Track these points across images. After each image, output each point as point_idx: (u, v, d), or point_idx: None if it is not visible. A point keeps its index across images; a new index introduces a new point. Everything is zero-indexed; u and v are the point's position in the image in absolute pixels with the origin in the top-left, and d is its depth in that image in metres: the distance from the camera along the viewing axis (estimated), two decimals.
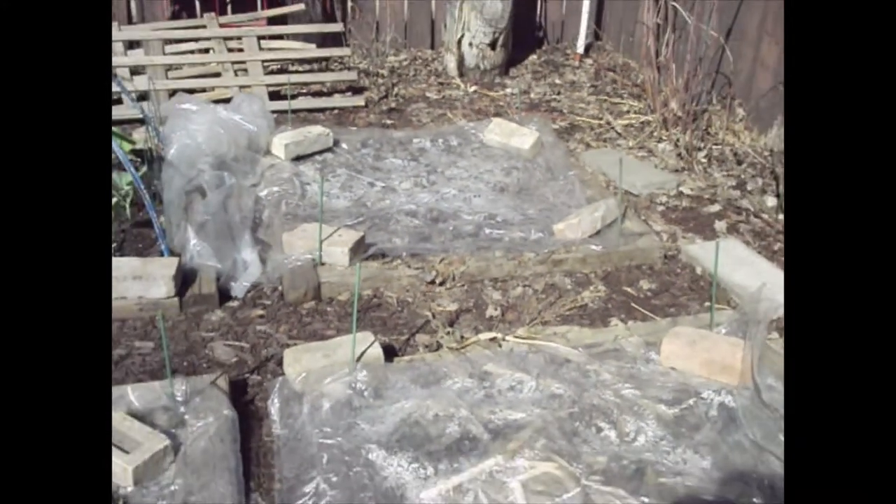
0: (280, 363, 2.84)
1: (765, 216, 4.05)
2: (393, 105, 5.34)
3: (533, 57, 6.29)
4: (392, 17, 6.21)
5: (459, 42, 5.75)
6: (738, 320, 2.96)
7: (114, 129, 3.76)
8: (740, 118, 4.95)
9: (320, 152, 4.44)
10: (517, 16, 5.87)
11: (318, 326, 3.17)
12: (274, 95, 5.08)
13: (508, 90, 5.68)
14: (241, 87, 5.03)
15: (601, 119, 5.21)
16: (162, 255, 3.33)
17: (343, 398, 2.63)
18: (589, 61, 6.22)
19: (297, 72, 5.48)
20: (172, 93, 4.82)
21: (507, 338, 3.05)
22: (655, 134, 4.96)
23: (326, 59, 5.67)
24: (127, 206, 3.69)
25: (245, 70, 5.16)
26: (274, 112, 4.64)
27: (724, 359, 2.76)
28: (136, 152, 4.00)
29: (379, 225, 3.80)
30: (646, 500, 2.31)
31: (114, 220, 3.57)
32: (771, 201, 4.18)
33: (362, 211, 3.93)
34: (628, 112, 5.30)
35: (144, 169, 3.90)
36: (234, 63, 5.16)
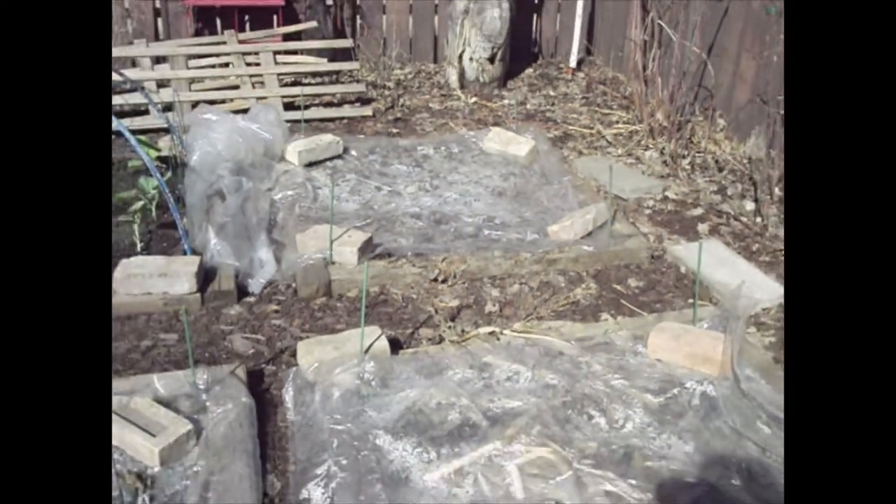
0: (294, 355, 2.84)
1: (744, 219, 4.05)
2: (399, 115, 5.34)
3: (529, 70, 6.29)
4: (398, 33, 6.21)
5: (460, 57, 5.75)
6: (719, 316, 2.97)
7: (141, 137, 3.76)
8: (721, 128, 4.95)
9: (331, 159, 4.44)
10: (514, 32, 5.87)
11: (328, 321, 3.17)
12: (288, 106, 5.08)
13: (506, 101, 5.69)
14: (258, 98, 5.03)
15: (592, 129, 5.21)
16: (185, 254, 3.33)
17: (352, 387, 2.64)
18: (581, 75, 6.22)
19: (309, 84, 5.49)
20: (195, 104, 4.83)
21: (505, 332, 3.05)
22: (643, 142, 4.96)
23: (337, 72, 5.67)
24: (153, 208, 3.69)
25: (262, 83, 5.17)
26: (288, 121, 4.64)
27: (706, 351, 2.77)
28: (161, 159, 4.00)
29: (385, 226, 3.81)
30: (633, 482, 2.31)
31: (141, 221, 3.57)
32: (749, 205, 4.18)
33: (370, 213, 3.93)
34: (617, 122, 5.31)
35: (169, 174, 3.90)
36: (251, 76, 5.17)
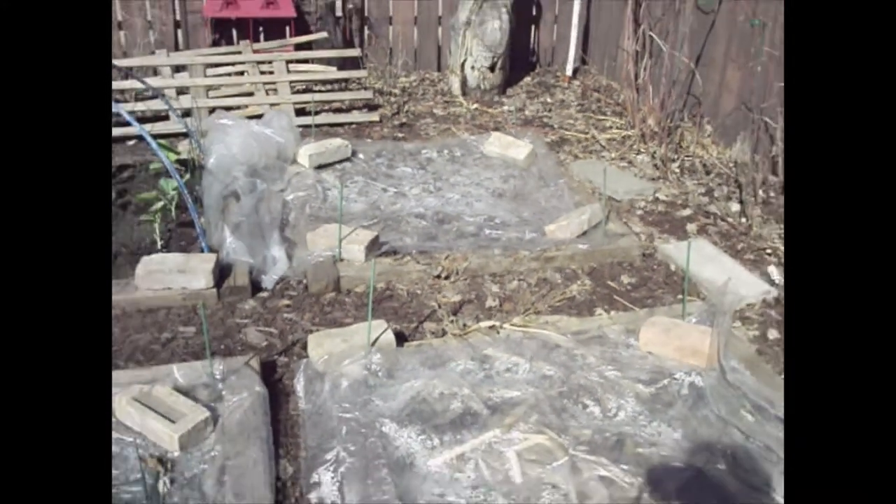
0: (304, 347, 2.84)
1: (730, 220, 4.05)
2: (404, 120, 5.34)
3: (527, 79, 6.28)
4: (403, 43, 6.20)
5: (463, 65, 5.75)
6: (707, 311, 2.97)
7: (162, 141, 3.76)
8: (708, 134, 4.95)
9: (340, 162, 4.43)
10: (513, 43, 5.86)
11: (337, 315, 3.17)
12: (300, 112, 5.08)
13: (506, 107, 5.68)
14: (272, 104, 5.03)
15: (587, 133, 5.20)
16: (202, 251, 3.34)
17: (360, 378, 2.64)
18: (576, 83, 6.21)
19: (320, 91, 5.48)
20: (212, 110, 4.83)
21: (505, 326, 3.05)
22: (635, 147, 4.96)
23: (346, 80, 5.67)
24: (173, 208, 3.69)
25: (275, 90, 5.16)
26: (300, 126, 4.64)
27: (695, 344, 2.77)
28: (180, 162, 4.01)
29: (391, 226, 3.81)
30: (625, 467, 2.31)
31: (161, 220, 3.57)
32: (735, 207, 4.17)
33: (376, 213, 3.93)
34: (611, 127, 5.30)
35: (188, 176, 3.90)
36: (265, 84, 5.16)
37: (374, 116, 5.27)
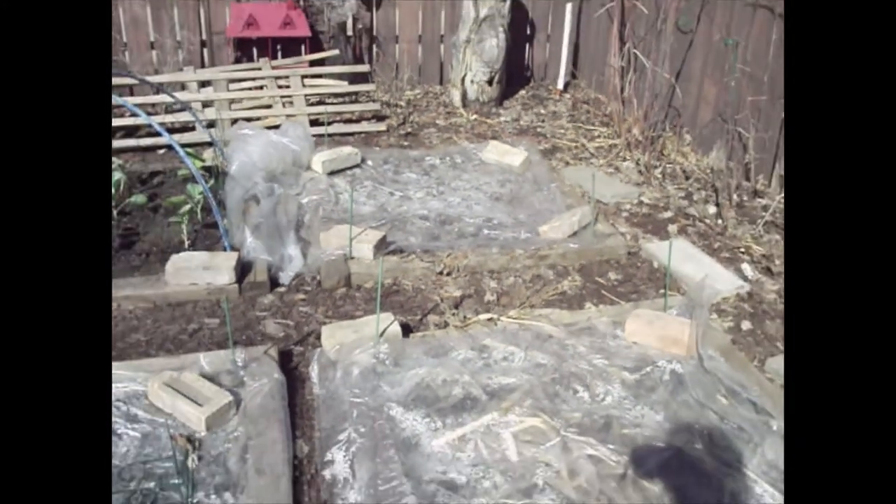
0: (318, 337, 2.85)
1: (707, 221, 4.05)
2: (409, 130, 5.34)
3: (522, 92, 6.28)
4: (409, 59, 6.20)
5: (463, 80, 5.75)
6: (686, 304, 2.97)
7: (188, 149, 3.77)
8: (687, 143, 4.95)
9: (350, 168, 4.44)
10: (509, 59, 5.86)
11: (348, 308, 3.18)
12: (314, 122, 5.08)
13: (502, 118, 5.68)
14: (288, 116, 5.03)
15: (577, 142, 5.20)
16: (225, 250, 3.34)
17: (369, 366, 2.64)
18: (567, 96, 6.21)
19: (332, 103, 5.48)
20: (234, 121, 4.83)
21: (502, 318, 3.05)
22: (621, 154, 4.95)
23: (356, 93, 5.67)
24: (199, 211, 3.70)
25: (291, 102, 5.17)
26: (314, 136, 4.63)
27: (675, 335, 2.77)
28: (205, 168, 4.01)
29: (397, 226, 3.81)
30: (612, 447, 2.32)
31: (188, 222, 3.57)
32: (712, 209, 4.17)
33: (384, 215, 3.93)
34: (599, 137, 5.30)
35: (212, 181, 3.91)
36: (282, 97, 5.17)
37: (382, 126, 5.28)
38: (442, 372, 2.61)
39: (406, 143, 5.11)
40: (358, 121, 5.39)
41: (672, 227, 3.99)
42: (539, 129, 5.47)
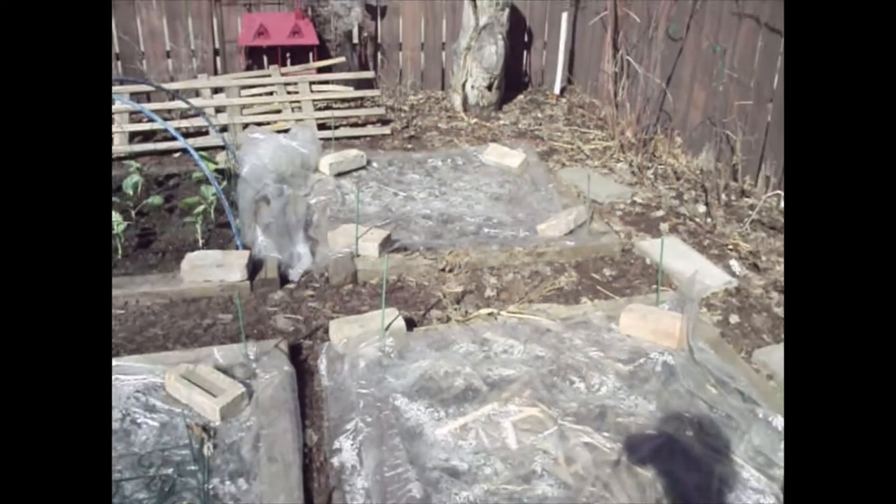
0: (326, 331, 2.85)
1: (697, 220, 4.05)
2: (412, 133, 5.33)
3: (520, 97, 6.27)
4: (412, 66, 6.19)
5: (464, 85, 5.74)
6: (678, 299, 2.97)
7: (202, 153, 3.76)
8: (678, 145, 4.94)
9: (356, 170, 4.44)
10: (508, 65, 5.85)
11: (355, 304, 3.18)
12: (321, 127, 5.08)
13: (501, 122, 5.67)
14: (297, 120, 5.03)
15: (573, 144, 5.20)
16: (237, 248, 3.34)
17: (375, 358, 2.64)
18: (563, 100, 6.20)
19: (339, 108, 5.48)
20: (246, 125, 4.84)
21: (502, 313, 3.05)
22: (615, 156, 4.95)
23: (361, 98, 5.66)
24: (212, 211, 3.70)
25: (300, 107, 5.17)
26: (322, 139, 4.63)
27: (667, 328, 2.77)
28: (218, 171, 4.01)
29: (402, 225, 3.81)
30: (607, 434, 2.32)
31: (202, 222, 3.57)
32: (701, 208, 4.17)
33: (388, 214, 3.93)
34: (594, 139, 5.29)
35: (225, 183, 3.91)
36: (291, 102, 5.17)
37: (386, 130, 5.27)
38: (444, 364, 2.61)
39: (409, 146, 5.10)
40: (363, 125, 5.38)
41: (664, 226, 3.99)
42: (536, 132, 5.46)
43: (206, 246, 3.52)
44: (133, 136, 4.80)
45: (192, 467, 2.15)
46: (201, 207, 3.58)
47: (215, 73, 5.65)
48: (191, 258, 3.18)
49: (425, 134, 5.35)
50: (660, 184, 4.53)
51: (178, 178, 4.33)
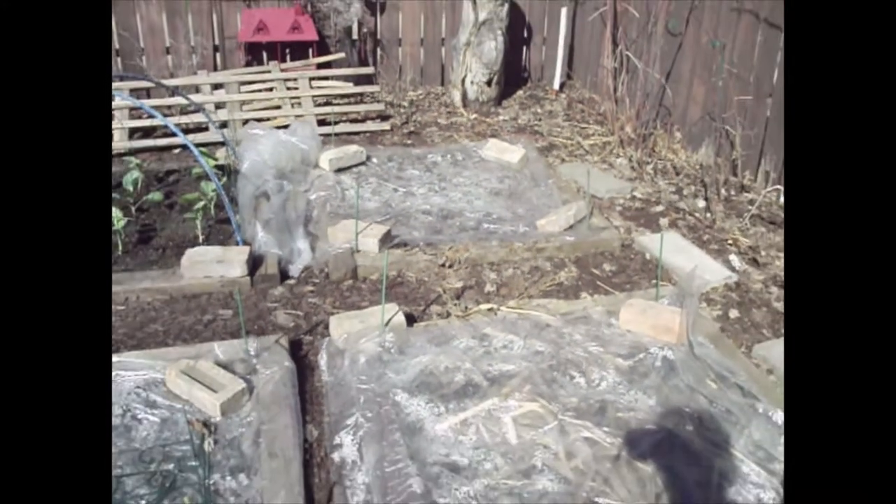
0: (326, 327, 2.84)
1: (697, 215, 4.04)
2: (412, 129, 5.33)
3: (520, 92, 6.26)
4: (411, 62, 6.18)
5: (463, 81, 5.73)
6: (677, 294, 2.96)
7: (202, 149, 3.76)
8: (678, 140, 4.93)
9: (356, 165, 4.43)
10: (508, 61, 5.84)
11: (355, 299, 3.18)
12: (321, 122, 5.07)
13: (501, 117, 5.66)
14: (297, 116, 5.02)
15: (572, 140, 5.19)
16: (237, 244, 3.34)
17: (375, 354, 2.64)
18: (563, 96, 6.19)
19: (338, 104, 5.47)
20: (246, 121, 4.82)
21: (501, 308, 3.05)
22: (614, 151, 4.94)
23: (361, 94, 5.65)
24: (212, 207, 3.69)
25: (300, 103, 5.16)
26: (321, 135, 4.62)
27: (667, 323, 2.77)
28: (218, 167, 4.01)
29: (401, 221, 3.80)
30: (607, 429, 2.32)
31: (202, 218, 3.57)
32: (701, 203, 4.16)
33: (388, 210, 3.93)
34: (593, 135, 5.28)
35: (225, 179, 3.91)
36: (291, 98, 5.15)
37: (386, 126, 5.26)
38: (445, 359, 2.61)
39: (409, 142, 5.10)
40: (363, 120, 5.37)
41: (663, 221, 3.98)
42: (536, 128, 5.45)
43: (207, 242, 3.51)
44: (133, 133, 4.79)
45: (193, 463, 2.15)
46: (201, 203, 3.57)
47: (215, 69, 5.64)
48: (191, 254, 3.18)
49: (425, 129, 5.34)
50: (659, 179, 4.52)
51: (178, 174, 4.32)
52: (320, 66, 5.56)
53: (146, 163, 4.40)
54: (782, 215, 3.90)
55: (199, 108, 4.49)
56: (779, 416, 2.38)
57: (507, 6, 5.58)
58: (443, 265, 3.39)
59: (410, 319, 2.93)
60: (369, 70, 5.67)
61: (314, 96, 5.23)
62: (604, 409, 2.41)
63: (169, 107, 5.05)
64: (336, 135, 4.87)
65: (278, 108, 5.14)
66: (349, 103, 5.53)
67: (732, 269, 3.47)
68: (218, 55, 5.67)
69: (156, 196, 3.80)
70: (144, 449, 2.21)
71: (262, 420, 2.31)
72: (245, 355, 2.60)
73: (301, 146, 4.19)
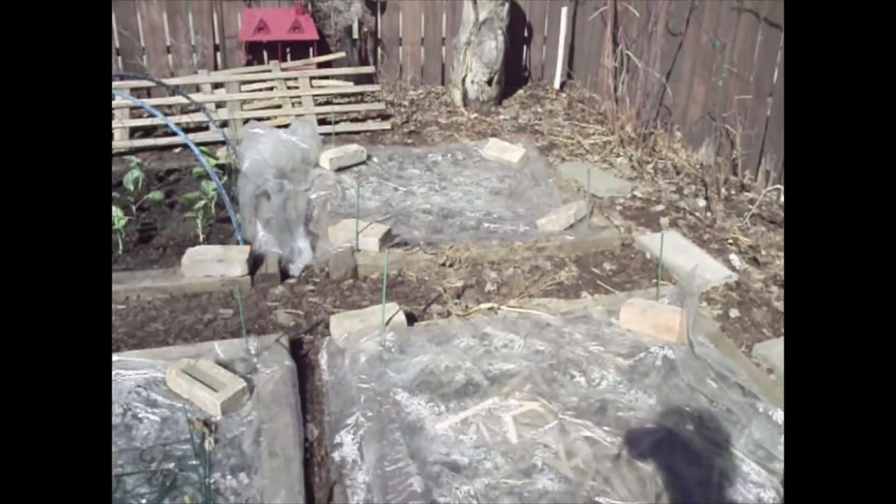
0: (327, 326, 2.84)
1: (697, 214, 4.04)
2: (412, 128, 5.33)
3: (520, 91, 6.26)
4: (412, 61, 6.18)
5: (463, 80, 5.73)
6: (678, 293, 2.96)
7: (203, 148, 3.75)
8: (678, 139, 4.93)
9: (357, 165, 4.43)
10: (508, 60, 5.84)
11: (355, 298, 3.18)
12: (321, 122, 5.07)
13: (501, 117, 5.66)
14: (297, 115, 5.02)
15: (573, 139, 5.19)
16: (238, 243, 3.34)
17: (375, 353, 2.64)
18: (563, 95, 6.18)
19: (339, 103, 5.47)
20: (246, 121, 4.82)
21: (502, 307, 3.05)
22: (614, 151, 4.94)
23: (361, 93, 5.65)
24: (212, 206, 3.69)
25: (300, 102, 5.15)
26: (322, 134, 4.63)
27: (667, 322, 2.76)
28: (219, 166, 4.01)
29: (402, 220, 3.80)
30: (607, 429, 2.32)
31: (203, 217, 3.57)
32: (701, 203, 4.16)
33: (389, 209, 3.93)
34: (593, 134, 5.28)
35: (225, 178, 3.90)
36: (292, 97, 5.15)
37: (387, 125, 5.26)
38: (445, 359, 2.60)
39: (409, 141, 5.09)
40: (364, 120, 5.37)
41: (664, 220, 3.98)
42: (537, 127, 5.45)
43: (207, 241, 3.51)
44: (134, 132, 4.79)
45: (194, 462, 2.15)
46: (202, 202, 3.57)
47: (216, 68, 5.64)
48: (191, 253, 3.18)
49: (425, 129, 5.34)
50: (660, 178, 4.52)
51: (179, 173, 4.32)
52: (321, 65, 5.56)
53: (147, 162, 4.40)
54: (783, 214, 3.90)
55: (199, 108, 4.49)
56: (779, 416, 2.38)
57: (507, 5, 5.58)
58: (443, 264, 3.39)
59: (411, 319, 2.93)
60: (370, 69, 5.67)
61: (315, 95, 5.22)
62: (604, 409, 2.41)
63: (169, 106, 5.05)
64: (336, 134, 4.87)
65: (279, 107, 5.13)
66: (350, 102, 5.53)
67: (733, 268, 3.46)
68: (218, 54, 5.67)
69: (156, 195, 3.80)
70: (145, 448, 2.21)
71: (262, 419, 2.31)
72: (245, 354, 2.60)
73: (301, 145, 4.18)
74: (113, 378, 2.46)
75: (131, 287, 3.07)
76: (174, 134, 3.58)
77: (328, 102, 5.47)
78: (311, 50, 5.66)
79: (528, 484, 2.12)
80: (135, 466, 2.14)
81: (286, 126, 4.46)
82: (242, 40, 5.53)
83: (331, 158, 4.27)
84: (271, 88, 5.24)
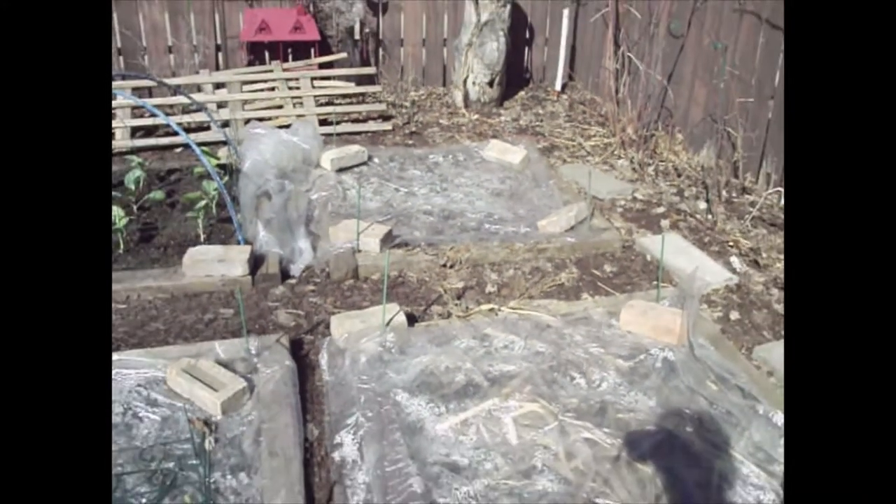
0: (327, 327, 2.84)
1: (698, 216, 4.04)
2: (413, 129, 5.33)
3: (521, 93, 6.26)
4: (413, 62, 6.18)
5: (465, 81, 5.73)
6: (678, 295, 2.96)
7: (204, 148, 3.76)
8: (679, 141, 4.93)
9: (358, 165, 4.43)
10: (509, 62, 5.84)
11: (356, 299, 3.18)
12: (323, 122, 5.08)
13: (503, 118, 5.67)
14: (299, 116, 5.03)
15: (574, 141, 5.19)
16: (239, 243, 3.34)
17: (376, 354, 2.64)
18: (564, 97, 6.19)
19: (340, 104, 5.47)
20: (247, 121, 4.83)
21: (502, 308, 3.05)
22: (615, 153, 4.94)
23: (363, 94, 5.66)
24: (213, 206, 3.70)
25: (301, 103, 5.16)
26: (323, 135, 4.63)
27: (668, 324, 2.77)
28: (220, 166, 4.01)
29: (403, 221, 3.80)
30: (607, 430, 2.32)
31: (204, 217, 3.57)
32: (702, 205, 4.16)
33: (390, 210, 3.93)
34: (595, 136, 5.28)
35: (226, 178, 3.91)
36: (293, 98, 5.16)
37: (388, 126, 5.27)
38: (445, 360, 2.61)
39: (411, 142, 5.10)
40: (365, 120, 5.38)
41: (664, 222, 3.98)
42: (538, 129, 5.45)
43: (208, 241, 3.52)
44: (135, 132, 4.80)
45: (194, 461, 2.15)
46: (203, 202, 3.58)
47: (217, 68, 5.65)
48: (192, 253, 3.18)
49: (426, 130, 5.34)
50: (661, 180, 4.52)
51: (180, 173, 4.33)
52: (322, 65, 5.57)
53: (148, 161, 4.41)
54: (783, 217, 3.90)
55: (201, 108, 4.49)
56: (779, 418, 2.38)
57: (509, 7, 5.59)
58: (444, 265, 3.39)
59: (411, 319, 2.93)
60: (371, 70, 5.68)
61: (316, 96, 5.23)
62: (604, 410, 2.41)
63: (171, 106, 5.06)
64: (338, 135, 4.87)
65: (280, 107, 5.14)
66: (351, 103, 5.53)
67: (733, 270, 3.47)
68: (220, 54, 5.68)
69: (157, 195, 3.80)
70: (145, 447, 2.21)
71: (262, 419, 2.31)
72: (246, 354, 2.60)
73: (303, 146, 4.19)
74: (113, 377, 2.47)
75: (132, 286, 3.07)
76: (175, 134, 3.58)
77: (329, 103, 5.47)
78: (312, 50, 5.66)
79: (527, 485, 2.12)
80: (135, 465, 2.15)
81: (287, 126, 4.46)
82: (244, 40, 5.54)
83: (332, 159, 4.28)
84: (273, 89, 5.25)
